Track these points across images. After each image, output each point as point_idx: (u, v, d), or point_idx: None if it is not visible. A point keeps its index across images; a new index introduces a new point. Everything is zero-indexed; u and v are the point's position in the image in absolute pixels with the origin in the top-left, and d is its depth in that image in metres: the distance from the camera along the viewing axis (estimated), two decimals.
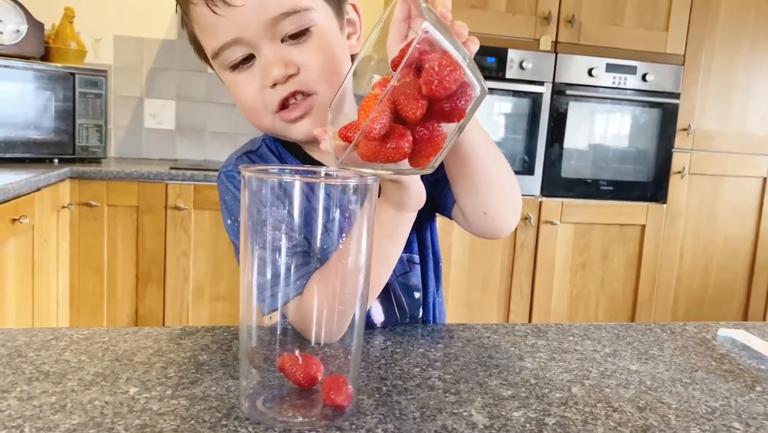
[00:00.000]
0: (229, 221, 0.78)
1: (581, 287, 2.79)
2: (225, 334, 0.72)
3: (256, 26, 0.68)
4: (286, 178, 0.52)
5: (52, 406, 0.53)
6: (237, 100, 0.75)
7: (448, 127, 0.52)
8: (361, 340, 0.54)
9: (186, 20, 0.74)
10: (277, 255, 0.52)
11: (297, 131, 0.74)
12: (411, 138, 0.50)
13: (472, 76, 0.50)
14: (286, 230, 0.51)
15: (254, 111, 0.74)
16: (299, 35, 0.70)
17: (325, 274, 0.55)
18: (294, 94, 0.72)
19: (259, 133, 0.87)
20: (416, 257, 0.86)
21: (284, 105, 0.73)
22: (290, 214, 0.50)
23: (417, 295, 0.87)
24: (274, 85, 0.71)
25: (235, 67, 0.72)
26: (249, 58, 0.71)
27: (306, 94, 0.72)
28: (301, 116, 0.73)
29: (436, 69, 0.47)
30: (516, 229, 2.64)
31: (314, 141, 0.63)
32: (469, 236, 2.60)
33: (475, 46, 0.55)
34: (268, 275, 0.52)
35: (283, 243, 0.51)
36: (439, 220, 0.88)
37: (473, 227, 0.78)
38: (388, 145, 0.49)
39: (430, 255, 0.88)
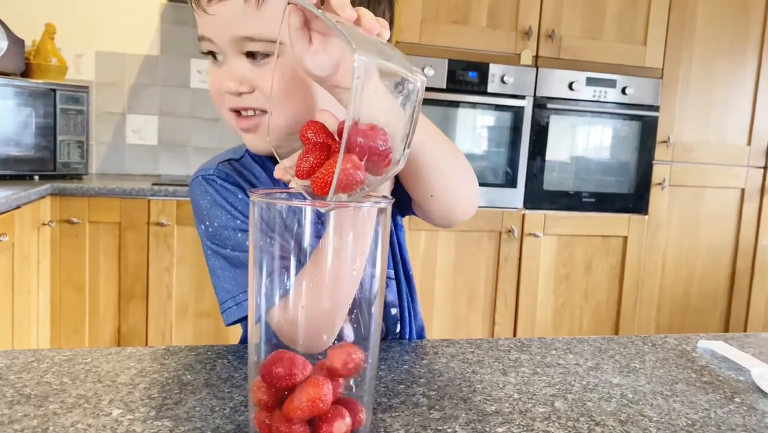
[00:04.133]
0: (203, 226, 0.77)
1: (565, 298, 2.80)
2: (209, 353, 0.72)
3: (223, 37, 0.71)
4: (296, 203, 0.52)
5: (34, 430, 0.52)
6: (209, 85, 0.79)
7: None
8: (376, 359, 0.54)
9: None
10: (286, 278, 0.52)
11: (245, 140, 0.78)
12: (363, 169, 0.50)
13: (406, 72, 0.50)
14: (295, 251, 0.51)
15: (216, 102, 0.78)
16: (265, 56, 0.71)
17: (315, 273, 0.53)
18: (241, 109, 0.74)
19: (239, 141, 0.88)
20: (391, 272, 0.86)
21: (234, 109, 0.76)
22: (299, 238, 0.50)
23: (394, 311, 0.87)
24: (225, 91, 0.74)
25: (210, 56, 0.76)
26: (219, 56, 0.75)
27: (260, 111, 0.74)
28: (248, 129, 0.75)
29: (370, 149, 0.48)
30: (500, 241, 2.67)
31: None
32: (453, 249, 2.62)
33: (386, 32, 0.57)
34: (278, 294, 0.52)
35: (292, 265, 0.51)
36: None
37: (427, 213, 0.79)
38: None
39: (401, 269, 0.89)
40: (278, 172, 0.59)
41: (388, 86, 0.51)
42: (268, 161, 0.83)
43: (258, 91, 0.72)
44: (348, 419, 0.49)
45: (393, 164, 0.52)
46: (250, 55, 0.71)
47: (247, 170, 0.81)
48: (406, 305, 0.88)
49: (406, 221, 2.63)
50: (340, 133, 0.54)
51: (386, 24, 0.57)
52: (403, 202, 0.80)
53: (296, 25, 0.58)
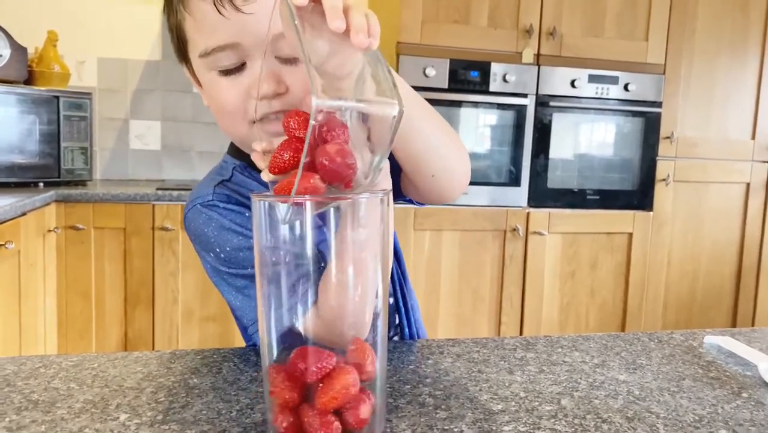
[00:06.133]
0: (212, 254, 0.75)
1: (571, 297, 2.80)
2: (215, 356, 0.72)
3: (259, 38, 0.66)
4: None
5: None
6: (215, 102, 0.73)
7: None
8: (385, 354, 0.54)
9: (178, 9, 0.71)
10: (295, 279, 0.52)
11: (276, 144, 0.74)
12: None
13: (376, 108, 0.50)
14: (302, 252, 0.51)
15: (232, 117, 0.72)
16: (293, 59, 0.69)
17: (329, 274, 0.54)
18: (275, 113, 0.70)
19: (219, 158, 0.87)
20: None
21: (262, 118, 0.72)
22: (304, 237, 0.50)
23: (391, 300, 0.87)
24: (261, 98, 0.69)
25: (223, 71, 0.70)
26: (239, 66, 0.70)
27: None
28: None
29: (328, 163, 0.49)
30: (504, 240, 2.67)
31: None
32: (458, 249, 2.61)
33: (376, 41, 0.53)
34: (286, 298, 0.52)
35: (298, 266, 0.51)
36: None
37: (425, 193, 0.78)
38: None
39: (393, 258, 0.89)
40: (255, 155, 0.58)
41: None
42: (258, 174, 0.81)
43: (291, 93, 0.69)
44: (369, 402, 0.50)
45: (362, 183, 0.53)
46: (278, 56, 0.68)
47: (242, 188, 0.79)
48: (400, 294, 0.88)
49: (409, 221, 2.62)
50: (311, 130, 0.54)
51: (377, 31, 0.53)
52: (396, 183, 0.80)
53: (287, 14, 0.57)
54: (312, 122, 0.46)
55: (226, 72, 0.70)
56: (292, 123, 0.53)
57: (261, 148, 0.58)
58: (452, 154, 0.75)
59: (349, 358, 0.51)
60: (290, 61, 0.68)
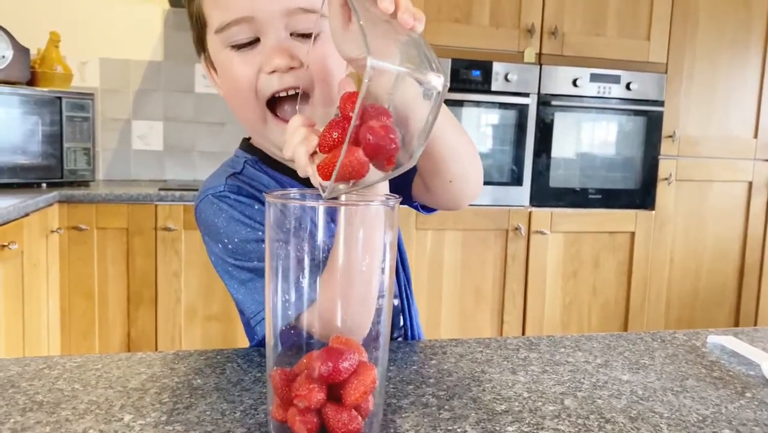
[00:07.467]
0: (220, 245, 0.75)
1: (573, 296, 2.80)
2: (218, 357, 0.72)
3: (273, 11, 0.68)
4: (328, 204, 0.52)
5: None
6: (229, 79, 0.74)
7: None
8: (386, 354, 0.54)
9: None
10: (301, 276, 0.52)
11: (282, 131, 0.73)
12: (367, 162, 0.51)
13: (424, 78, 0.51)
14: (311, 252, 0.51)
15: (244, 96, 0.73)
16: (308, 36, 0.70)
17: (331, 273, 0.54)
18: (288, 89, 0.71)
19: (231, 152, 0.87)
20: None
21: (273, 102, 0.72)
22: (314, 237, 0.51)
23: (396, 302, 0.87)
24: (273, 72, 0.70)
25: (237, 47, 0.72)
26: (253, 42, 0.71)
27: (304, 94, 0.71)
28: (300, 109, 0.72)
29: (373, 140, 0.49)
30: (507, 239, 2.67)
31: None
32: (460, 248, 2.61)
33: (420, 25, 0.54)
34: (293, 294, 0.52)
35: (307, 265, 0.52)
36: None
37: (439, 198, 0.79)
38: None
39: (398, 260, 0.89)
40: (295, 124, 0.58)
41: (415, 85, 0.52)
42: (269, 169, 0.82)
43: (303, 69, 0.70)
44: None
45: (404, 162, 0.53)
46: (292, 34, 0.70)
47: (254, 181, 0.80)
48: (404, 296, 0.89)
49: (411, 220, 2.62)
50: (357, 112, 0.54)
51: (422, 17, 0.55)
52: (403, 186, 0.81)
53: (339, 2, 0.58)
54: (366, 81, 0.46)
55: (240, 47, 0.71)
56: (347, 105, 0.53)
57: (305, 115, 0.58)
58: (468, 159, 0.76)
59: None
60: (307, 37, 0.69)
